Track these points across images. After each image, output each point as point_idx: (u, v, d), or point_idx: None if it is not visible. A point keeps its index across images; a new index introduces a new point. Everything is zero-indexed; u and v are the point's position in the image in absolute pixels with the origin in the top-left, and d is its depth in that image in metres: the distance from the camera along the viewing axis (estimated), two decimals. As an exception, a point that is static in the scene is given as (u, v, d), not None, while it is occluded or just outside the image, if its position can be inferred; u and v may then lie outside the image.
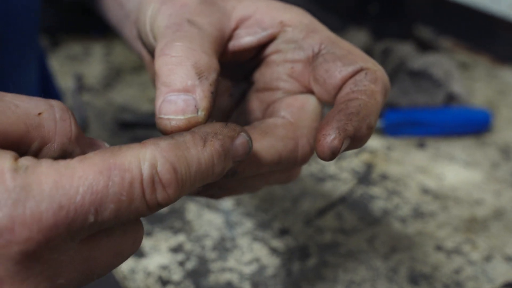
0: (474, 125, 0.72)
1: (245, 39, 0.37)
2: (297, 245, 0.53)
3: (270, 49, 0.37)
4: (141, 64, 0.87)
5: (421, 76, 0.75)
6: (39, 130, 0.27)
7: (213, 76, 0.33)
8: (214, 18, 0.36)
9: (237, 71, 0.40)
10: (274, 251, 0.53)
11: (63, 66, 0.87)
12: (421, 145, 0.70)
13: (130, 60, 0.89)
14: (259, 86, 0.38)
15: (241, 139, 0.31)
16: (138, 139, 0.67)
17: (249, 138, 0.31)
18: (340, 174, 0.64)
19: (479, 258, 0.53)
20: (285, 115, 0.36)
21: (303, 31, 0.36)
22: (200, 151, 0.28)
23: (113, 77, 0.84)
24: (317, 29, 0.37)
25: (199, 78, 0.33)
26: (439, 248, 0.54)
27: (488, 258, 0.53)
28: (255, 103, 0.39)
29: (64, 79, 0.82)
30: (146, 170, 0.26)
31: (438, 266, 0.52)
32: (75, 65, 0.88)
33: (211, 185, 0.35)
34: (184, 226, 0.55)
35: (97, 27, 0.96)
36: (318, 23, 0.37)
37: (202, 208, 0.57)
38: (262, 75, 0.38)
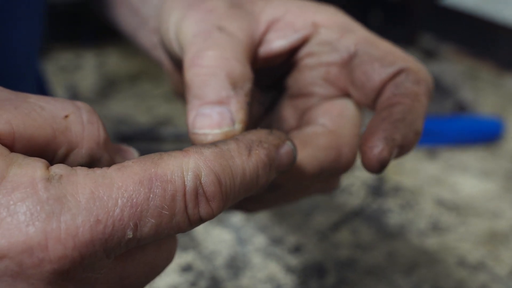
0: (485, 134, 0.69)
1: (276, 43, 0.34)
2: (313, 262, 0.50)
3: (302, 52, 0.34)
4: (137, 73, 0.84)
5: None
6: (66, 134, 0.25)
7: (247, 85, 0.31)
8: (244, 23, 0.33)
9: (266, 76, 0.37)
10: (289, 268, 0.50)
11: (54, 76, 0.84)
12: (433, 155, 0.67)
13: (125, 69, 0.86)
14: (292, 92, 0.36)
15: (286, 148, 0.28)
16: (139, 155, 0.64)
17: (294, 147, 0.28)
18: (351, 187, 0.61)
19: (504, 274, 0.50)
20: (324, 122, 0.33)
21: (337, 32, 0.34)
22: (245, 161, 0.26)
23: (108, 87, 0.81)
24: (352, 29, 0.34)
25: (233, 89, 0.30)
26: (461, 263, 0.51)
27: (514, 273, 0.50)
28: (289, 110, 0.36)
29: (55, 90, 0.78)
30: (190, 181, 0.24)
31: (462, 282, 0.49)
32: (66, 74, 0.85)
33: (249, 199, 0.33)
34: (192, 243, 0.52)
35: (88, 36, 0.92)
36: (353, 22, 0.34)
37: (210, 223, 0.54)
38: (295, 80, 0.35)
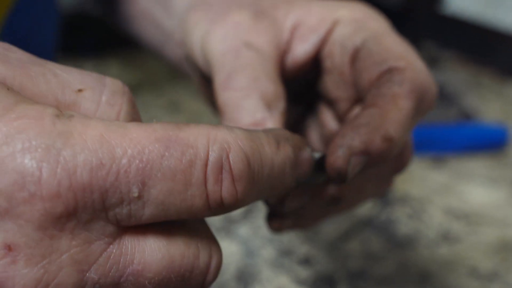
0: (491, 142, 0.69)
1: (300, 50, 0.32)
2: (323, 273, 0.50)
3: (323, 53, 0.33)
4: (138, 83, 0.83)
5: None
6: (73, 110, 0.21)
7: (282, 104, 0.30)
8: (270, 34, 0.32)
9: (299, 82, 0.35)
10: (299, 280, 0.49)
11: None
12: (439, 164, 0.67)
13: (125, 79, 0.85)
14: (324, 96, 0.34)
15: (306, 154, 0.26)
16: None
17: (313, 156, 0.27)
18: (358, 195, 0.61)
19: (518, 283, 0.50)
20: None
21: (352, 28, 0.32)
22: (274, 152, 0.23)
23: (109, 97, 0.80)
24: (367, 24, 0.32)
25: (268, 110, 0.29)
26: (473, 273, 0.50)
27: (527, 283, 0.50)
28: (327, 113, 0.35)
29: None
30: (215, 151, 0.20)
31: (476, 293, 0.49)
32: (67, 85, 0.84)
33: (305, 215, 0.32)
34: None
35: (88, 46, 0.92)
36: (373, 17, 0.32)
37: (217, 235, 0.53)
38: (322, 85, 0.34)
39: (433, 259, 0.52)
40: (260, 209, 0.56)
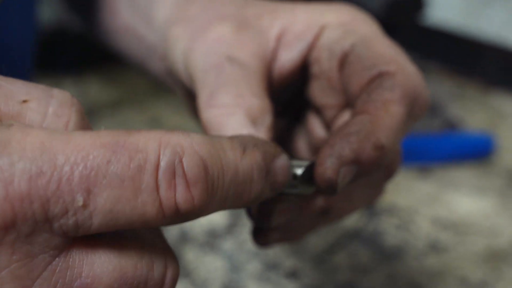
0: (477, 151, 0.68)
1: (286, 58, 0.31)
2: (311, 286, 0.48)
3: (310, 59, 0.32)
4: (120, 100, 0.82)
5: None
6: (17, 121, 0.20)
7: (269, 119, 0.29)
8: (254, 46, 0.31)
9: (287, 91, 0.34)
10: (286, 294, 0.47)
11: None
12: (425, 174, 0.66)
13: (106, 96, 0.84)
14: (312, 103, 0.33)
15: (282, 162, 0.25)
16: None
17: (291, 165, 0.26)
18: (344, 207, 0.60)
19: (509, 292, 0.49)
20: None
21: (339, 32, 0.31)
22: (238, 157, 0.22)
23: (89, 114, 0.79)
24: (355, 28, 0.31)
25: (254, 126, 0.28)
26: (463, 283, 0.49)
27: (518, 292, 0.49)
28: (315, 120, 0.34)
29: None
30: (167, 155, 0.19)
31: (466, 303, 0.47)
32: (47, 103, 0.82)
33: (294, 228, 0.30)
34: (183, 272, 0.49)
35: (68, 64, 0.90)
36: (361, 20, 0.32)
37: (201, 250, 0.52)
38: (310, 92, 0.33)
39: (422, 270, 0.51)
40: (245, 223, 0.55)
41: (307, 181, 0.27)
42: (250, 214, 0.30)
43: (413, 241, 0.55)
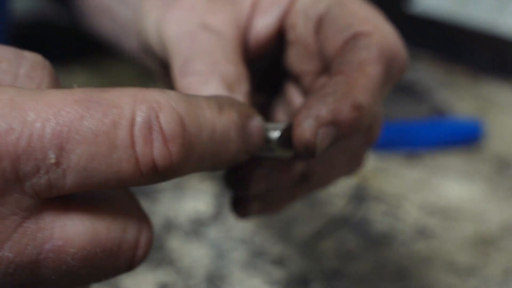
0: (465, 137, 0.68)
1: (261, 24, 0.31)
2: (298, 273, 0.48)
3: (286, 26, 0.31)
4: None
5: (403, 89, 0.72)
6: None
7: (245, 86, 0.28)
8: (228, 13, 0.30)
9: (264, 60, 0.34)
10: (273, 281, 0.47)
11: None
12: (413, 160, 0.65)
13: (94, 87, 0.82)
14: (290, 72, 0.33)
15: (256, 123, 0.24)
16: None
17: (267, 128, 0.25)
18: (330, 197, 0.59)
19: (496, 276, 0.48)
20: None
21: None
22: (215, 116, 0.21)
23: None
24: None
25: (231, 93, 0.27)
26: (451, 268, 0.49)
27: (506, 277, 0.48)
28: (293, 91, 0.33)
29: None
30: (143, 111, 0.19)
31: (454, 288, 0.47)
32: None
33: (273, 196, 0.30)
34: (167, 259, 0.48)
35: (53, 55, 0.89)
36: None
37: (186, 237, 0.51)
38: (287, 60, 0.32)
39: (410, 256, 0.51)
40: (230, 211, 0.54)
41: (285, 144, 0.26)
42: (229, 182, 0.29)
43: (401, 227, 0.54)
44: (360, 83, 0.26)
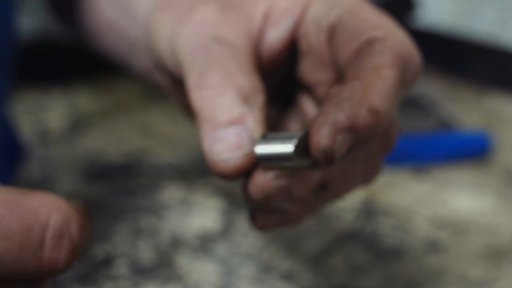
0: (473, 150, 0.67)
1: (273, 36, 0.31)
2: (307, 289, 0.47)
3: (299, 35, 0.31)
4: (110, 109, 0.81)
5: (409, 103, 0.72)
6: None
7: (261, 98, 0.28)
8: (240, 26, 0.30)
9: (278, 73, 0.34)
10: (282, 297, 0.46)
11: (21, 116, 0.80)
12: (421, 174, 0.65)
13: (96, 106, 0.82)
14: (304, 84, 0.32)
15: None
16: (115, 191, 0.60)
17: (283, 137, 0.26)
18: (339, 211, 0.58)
19: (510, 289, 0.47)
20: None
21: (324, 5, 0.30)
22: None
23: (79, 124, 0.78)
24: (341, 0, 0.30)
25: (247, 105, 0.27)
26: (463, 282, 0.48)
27: (520, 289, 0.47)
28: (308, 102, 0.33)
29: (24, 130, 0.74)
30: (56, 220, 0.22)
31: (467, 302, 0.46)
32: (35, 113, 0.81)
33: (291, 208, 0.30)
34: (175, 274, 0.48)
35: (56, 75, 0.89)
36: None
37: (194, 254, 0.50)
38: (301, 71, 0.32)
39: (420, 269, 0.50)
40: (238, 227, 0.54)
41: (302, 153, 0.26)
42: (247, 194, 0.29)
43: (411, 241, 0.53)
44: (376, 88, 0.25)
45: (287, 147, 0.26)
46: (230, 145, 0.26)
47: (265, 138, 0.27)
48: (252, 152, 0.27)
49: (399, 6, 0.85)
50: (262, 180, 0.27)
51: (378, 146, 0.30)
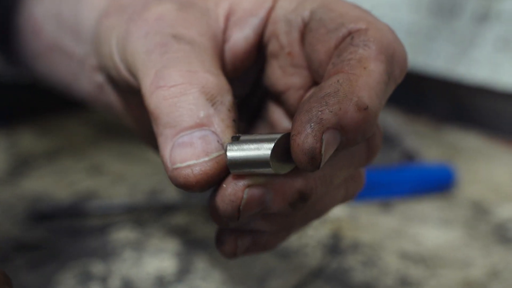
0: (438, 183, 0.65)
1: (239, 36, 0.27)
2: (275, 333, 0.43)
3: (266, 37, 0.28)
4: (56, 150, 0.76)
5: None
6: None
7: (228, 98, 0.25)
8: (201, 25, 0.27)
9: (245, 78, 0.30)
10: None
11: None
12: (387, 208, 0.62)
13: (41, 147, 0.77)
14: (273, 89, 0.29)
15: None
16: (56, 232, 0.55)
17: (259, 139, 0.22)
18: (305, 248, 0.55)
19: (491, 325, 0.44)
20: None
21: (293, 2, 0.27)
22: None
23: (21, 165, 0.72)
24: None
25: (213, 105, 0.24)
26: (441, 318, 0.45)
27: (501, 323, 0.44)
28: (277, 111, 0.29)
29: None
30: None
31: None
32: (-26, 157, 0.75)
33: (267, 226, 0.25)
34: (128, 325, 0.43)
35: (1, 115, 0.84)
36: None
37: (149, 300, 0.46)
38: (269, 75, 0.29)
39: (394, 307, 0.47)
40: (197, 268, 0.49)
41: (281, 157, 0.22)
42: (213, 210, 0.25)
43: (382, 277, 0.50)
44: (363, 81, 0.23)
45: (263, 151, 0.22)
46: (195, 151, 0.23)
47: (238, 140, 0.23)
48: (222, 157, 0.23)
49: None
50: (232, 190, 0.23)
51: (362, 153, 0.27)
